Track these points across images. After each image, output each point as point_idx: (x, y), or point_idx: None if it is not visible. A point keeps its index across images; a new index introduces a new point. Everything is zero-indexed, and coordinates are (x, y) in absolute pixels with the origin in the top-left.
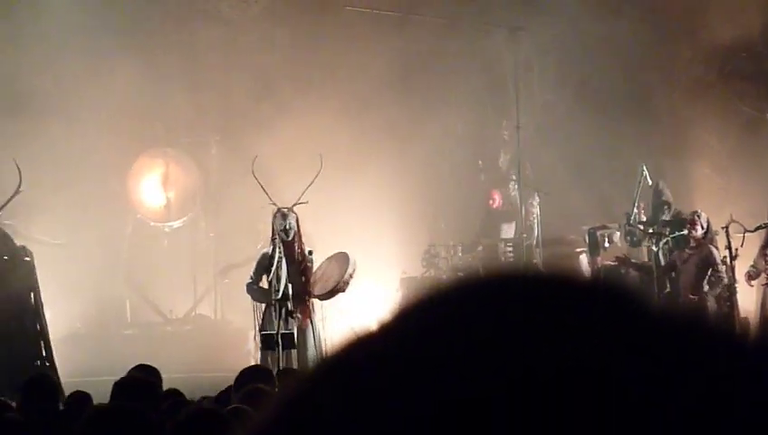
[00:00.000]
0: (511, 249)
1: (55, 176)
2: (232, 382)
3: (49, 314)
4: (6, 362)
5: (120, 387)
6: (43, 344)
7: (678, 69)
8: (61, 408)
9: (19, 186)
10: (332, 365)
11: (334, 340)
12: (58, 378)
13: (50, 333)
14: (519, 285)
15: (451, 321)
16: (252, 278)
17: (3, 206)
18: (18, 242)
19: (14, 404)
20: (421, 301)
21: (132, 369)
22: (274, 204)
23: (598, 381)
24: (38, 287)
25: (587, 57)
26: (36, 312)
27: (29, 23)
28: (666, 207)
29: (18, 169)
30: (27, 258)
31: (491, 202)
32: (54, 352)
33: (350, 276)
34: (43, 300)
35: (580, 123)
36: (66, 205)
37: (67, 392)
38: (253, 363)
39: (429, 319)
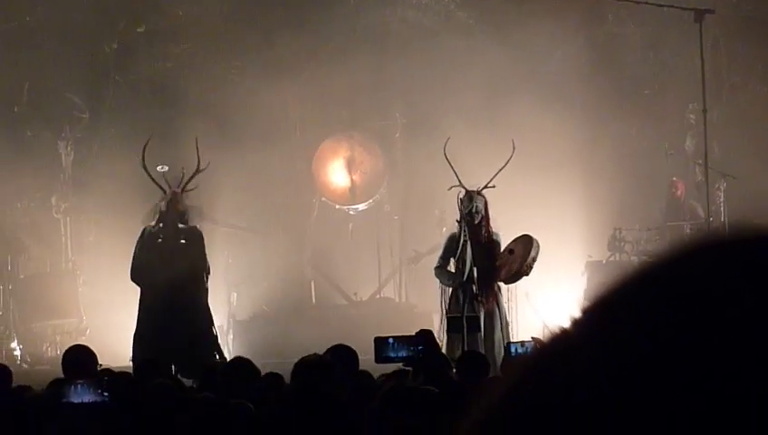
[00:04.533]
0: (696, 233)
1: (242, 159)
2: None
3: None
4: (185, 346)
5: (299, 367)
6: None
7: None
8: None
9: (198, 165)
10: (535, 367)
11: (520, 323)
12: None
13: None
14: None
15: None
16: (440, 262)
17: (186, 182)
18: (202, 225)
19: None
20: (613, 295)
21: (330, 349)
22: (463, 186)
23: None
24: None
25: None
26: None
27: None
28: None
29: (197, 148)
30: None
31: (674, 191)
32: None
33: (534, 260)
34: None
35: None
36: (253, 188)
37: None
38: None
39: (628, 314)
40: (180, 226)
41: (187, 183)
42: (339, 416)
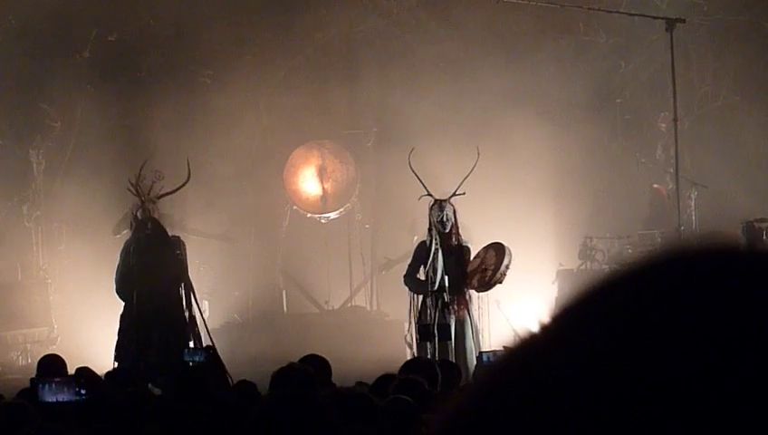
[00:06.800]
0: (666, 242)
1: (213, 167)
2: (386, 372)
3: (206, 304)
4: (159, 351)
5: (278, 377)
6: (192, 334)
7: None
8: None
9: (187, 179)
10: (502, 370)
11: (491, 331)
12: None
13: (207, 322)
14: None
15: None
16: (409, 270)
17: (169, 193)
18: (174, 233)
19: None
20: (581, 302)
21: (302, 359)
22: (431, 195)
23: None
24: (188, 279)
25: (746, 47)
26: (188, 303)
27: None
28: None
29: (189, 165)
30: (178, 252)
31: (658, 196)
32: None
33: (507, 267)
34: (196, 291)
35: (738, 115)
36: (224, 196)
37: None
38: (409, 354)
39: (594, 319)
40: (169, 234)
41: (167, 193)
42: (322, 427)
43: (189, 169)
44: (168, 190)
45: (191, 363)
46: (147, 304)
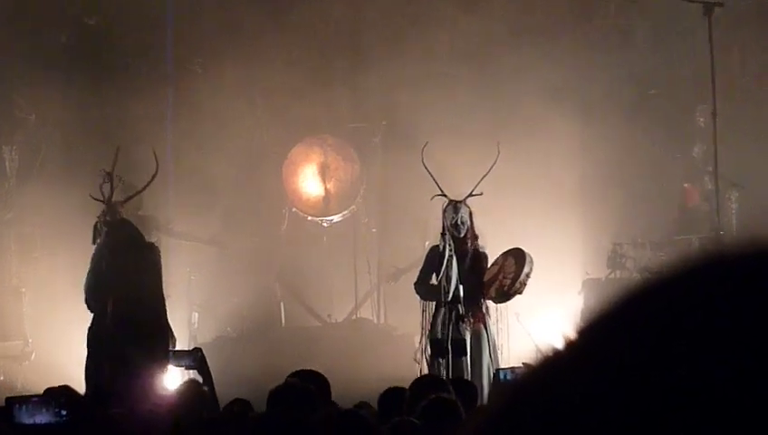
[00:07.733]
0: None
1: (204, 165)
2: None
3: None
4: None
5: (275, 395)
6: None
7: None
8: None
9: (155, 174)
10: (522, 390)
11: (510, 347)
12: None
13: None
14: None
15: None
16: (420, 277)
17: (138, 193)
18: (159, 236)
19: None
20: (609, 312)
21: (295, 373)
22: (445, 196)
23: None
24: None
25: None
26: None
27: None
28: None
29: (155, 156)
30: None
31: (688, 200)
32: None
33: (528, 276)
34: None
35: None
36: (216, 197)
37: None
38: (419, 372)
39: (623, 336)
40: (145, 238)
41: (136, 193)
42: None
43: (157, 162)
44: (138, 190)
45: (181, 368)
46: (121, 314)
